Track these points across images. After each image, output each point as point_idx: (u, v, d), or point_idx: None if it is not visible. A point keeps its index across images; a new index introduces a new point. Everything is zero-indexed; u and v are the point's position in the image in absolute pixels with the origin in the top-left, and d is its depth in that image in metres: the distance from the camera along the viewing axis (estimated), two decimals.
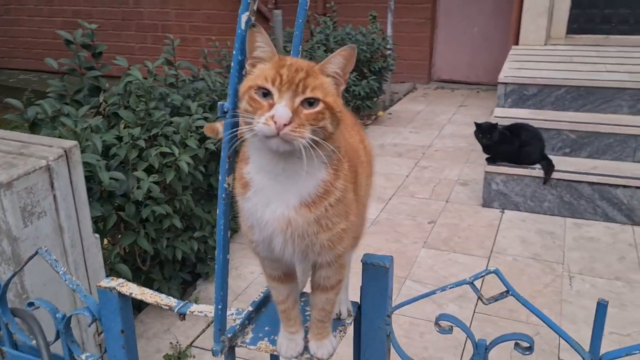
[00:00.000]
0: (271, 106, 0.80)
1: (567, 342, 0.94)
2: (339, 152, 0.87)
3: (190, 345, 2.51)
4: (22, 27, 9.46)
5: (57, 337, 1.22)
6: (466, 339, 2.51)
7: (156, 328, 2.62)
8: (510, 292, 0.97)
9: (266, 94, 0.81)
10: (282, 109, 0.78)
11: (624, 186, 3.44)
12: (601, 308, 0.91)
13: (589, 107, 4.08)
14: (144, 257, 2.71)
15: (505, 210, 3.72)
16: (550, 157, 3.64)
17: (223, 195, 0.82)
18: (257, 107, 0.80)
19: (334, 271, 0.94)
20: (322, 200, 0.86)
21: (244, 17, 0.72)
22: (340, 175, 0.88)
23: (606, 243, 3.27)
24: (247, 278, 2.99)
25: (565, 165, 3.64)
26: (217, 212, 0.84)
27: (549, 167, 3.56)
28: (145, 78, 2.75)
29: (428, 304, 2.71)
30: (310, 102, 0.81)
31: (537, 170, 3.59)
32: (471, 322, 2.59)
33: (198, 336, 2.56)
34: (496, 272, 0.97)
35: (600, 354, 0.94)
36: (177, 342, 2.50)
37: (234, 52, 0.74)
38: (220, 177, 0.81)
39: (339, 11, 6.65)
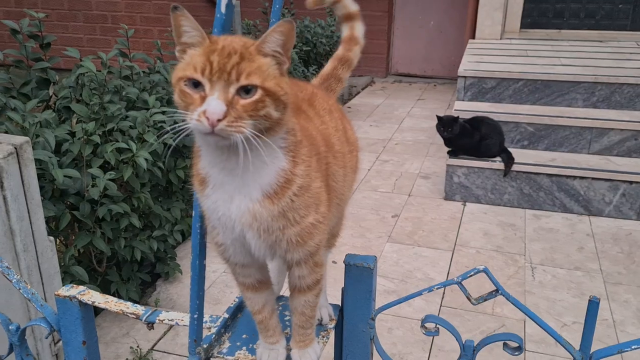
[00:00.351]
0: (203, 99, 0.72)
1: (556, 339, 0.92)
2: (294, 137, 0.82)
3: (152, 349, 2.41)
4: None
5: (11, 350, 1.12)
6: (433, 339, 2.51)
7: (114, 332, 2.51)
8: (499, 292, 0.94)
9: (197, 84, 0.73)
10: (214, 103, 0.71)
11: (581, 177, 3.51)
12: (593, 306, 0.88)
13: (545, 100, 4.15)
14: (100, 257, 2.59)
15: (467, 203, 3.74)
16: (510, 149, 3.68)
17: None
18: (188, 101, 0.73)
19: (309, 270, 0.88)
20: (285, 190, 0.80)
21: (224, 1, 0.65)
22: (299, 161, 0.81)
23: (565, 234, 3.34)
24: (209, 277, 2.89)
25: (524, 157, 3.69)
26: (193, 215, 0.77)
27: (508, 160, 3.60)
28: (99, 70, 2.62)
29: (394, 298, 2.69)
30: (247, 90, 0.74)
31: (498, 163, 3.63)
32: (438, 315, 2.58)
33: (160, 339, 2.46)
34: (485, 271, 0.94)
35: (591, 352, 0.92)
36: (138, 347, 2.39)
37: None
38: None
39: (297, 3, 6.56)
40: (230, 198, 0.78)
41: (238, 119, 0.71)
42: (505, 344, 0.96)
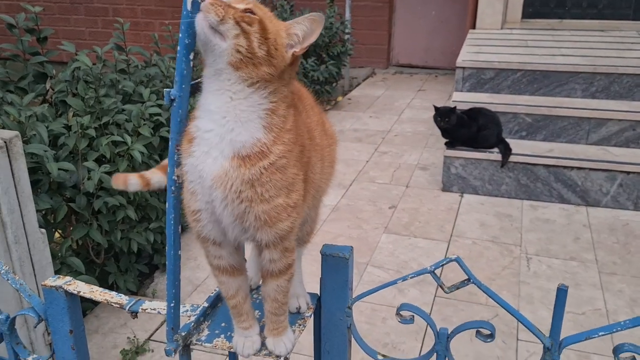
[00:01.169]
0: None
1: (526, 327, 0.94)
2: (281, 121, 0.85)
3: (149, 339, 2.45)
4: None
5: (1, 339, 1.15)
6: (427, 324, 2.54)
7: (112, 323, 2.55)
8: (471, 280, 0.96)
9: None
10: None
11: (578, 168, 3.52)
12: (561, 293, 0.90)
13: (544, 90, 4.15)
14: (98, 249, 2.62)
15: (465, 194, 3.76)
16: (508, 140, 3.69)
17: (172, 188, 0.77)
18: None
19: (279, 254, 0.90)
20: (257, 160, 0.83)
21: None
22: (279, 142, 0.85)
23: (561, 224, 3.35)
24: (206, 269, 2.92)
25: (521, 148, 3.70)
26: (167, 205, 0.79)
27: (506, 151, 3.61)
28: (95, 64, 2.64)
29: (389, 289, 2.71)
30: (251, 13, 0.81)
31: (495, 154, 3.64)
32: (432, 307, 2.61)
33: (156, 330, 2.50)
34: (457, 260, 0.96)
35: (561, 339, 0.94)
36: (135, 337, 2.43)
37: (180, 36, 0.69)
38: (168, 169, 0.76)
39: None
40: (208, 151, 0.82)
41: (223, 8, 0.77)
42: (478, 332, 0.98)
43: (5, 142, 1.28)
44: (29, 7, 2.70)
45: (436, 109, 3.62)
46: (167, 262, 0.84)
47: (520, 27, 5.82)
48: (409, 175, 4.07)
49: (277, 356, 0.94)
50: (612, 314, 2.52)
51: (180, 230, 0.85)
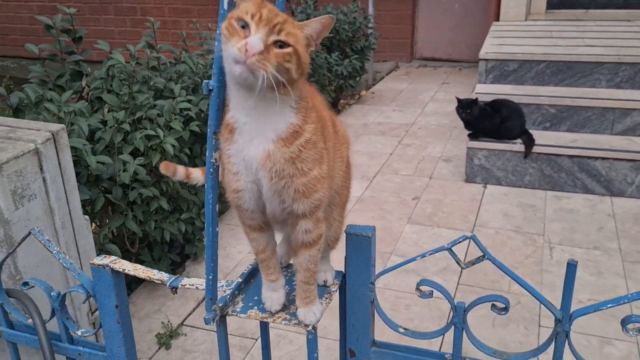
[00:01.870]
0: (246, 37, 0.85)
1: (538, 299, 1.00)
2: (306, 103, 0.95)
3: (182, 324, 2.56)
4: None
5: (52, 315, 1.26)
6: (450, 309, 2.60)
7: (147, 308, 2.67)
8: (486, 257, 1.02)
9: (245, 26, 0.86)
10: (255, 40, 0.84)
11: (603, 158, 3.52)
12: (571, 268, 0.97)
13: (568, 81, 4.14)
14: (133, 239, 2.74)
15: (488, 185, 3.79)
16: (531, 131, 3.71)
17: (211, 170, 0.86)
18: (233, 33, 0.86)
19: (313, 224, 0.99)
20: (294, 139, 0.93)
21: None
22: (308, 120, 0.95)
23: (585, 214, 3.36)
24: (235, 257, 3.03)
25: (545, 139, 3.71)
26: (206, 186, 0.87)
27: (529, 142, 3.63)
28: (128, 62, 2.75)
29: (412, 276, 2.78)
30: (281, 46, 0.87)
31: (518, 145, 3.66)
32: (455, 293, 2.66)
33: (189, 315, 2.61)
34: (472, 238, 1.03)
35: (571, 311, 1.00)
36: (169, 322, 2.54)
37: (218, 32, 0.77)
38: (207, 152, 0.84)
39: None
40: (251, 139, 0.92)
41: (266, 60, 0.85)
42: (493, 305, 1.05)
43: (52, 134, 1.39)
44: (64, 9, 2.83)
45: (458, 100, 3.66)
46: (205, 238, 0.93)
47: (544, 19, 5.79)
48: (432, 167, 4.12)
49: (307, 325, 1.02)
50: (636, 302, 2.54)
51: (217, 209, 0.93)
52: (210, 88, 0.80)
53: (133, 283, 2.85)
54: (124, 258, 2.71)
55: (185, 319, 2.59)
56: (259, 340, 2.42)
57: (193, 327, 2.54)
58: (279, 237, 1.19)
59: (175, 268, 3.00)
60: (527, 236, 3.14)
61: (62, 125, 1.40)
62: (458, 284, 2.74)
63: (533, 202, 3.54)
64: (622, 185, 3.51)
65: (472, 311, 2.50)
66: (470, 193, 3.69)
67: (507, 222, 3.30)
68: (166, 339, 2.45)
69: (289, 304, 1.08)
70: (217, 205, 0.92)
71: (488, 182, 3.80)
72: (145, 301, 2.72)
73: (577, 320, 2.61)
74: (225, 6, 0.75)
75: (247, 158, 0.92)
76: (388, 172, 4.05)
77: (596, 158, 3.53)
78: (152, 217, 2.65)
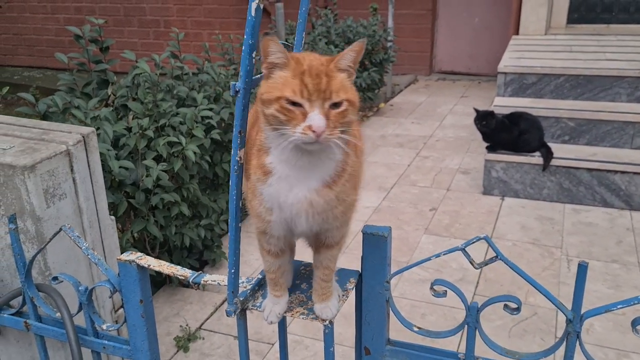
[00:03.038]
0: (304, 115, 0.85)
1: (549, 299, 1.03)
2: (353, 133, 0.95)
3: (200, 327, 2.60)
4: (26, 24, 9.55)
5: (79, 309, 1.31)
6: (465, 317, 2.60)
7: (166, 312, 2.72)
8: (498, 257, 1.05)
9: (295, 103, 0.86)
10: (318, 119, 0.85)
11: (622, 172, 3.51)
12: (581, 269, 0.99)
13: (587, 95, 4.14)
14: (153, 243, 2.80)
15: (506, 198, 3.79)
16: (550, 144, 3.71)
17: (235, 167, 0.90)
18: (291, 117, 0.86)
19: (339, 229, 1.03)
20: (340, 178, 0.94)
21: (254, 5, 0.80)
22: (349, 152, 0.94)
23: (604, 228, 3.35)
24: (253, 264, 3.07)
25: (564, 152, 3.71)
26: (230, 183, 0.92)
27: (547, 155, 3.63)
28: (152, 71, 2.84)
29: (428, 286, 2.79)
30: (337, 104, 0.88)
31: (537, 158, 3.66)
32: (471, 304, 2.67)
33: (207, 319, 2.65)
34: (485, 239, 1.05)
35: (582, 312, 1.03)
36: (187, 325, 2.59)
37: (245, 37, 0.82)
38: (232, 151, 0.89)
39: (340, 4, 6.71)
40: (290, 187, 0.92)
41: (333, 128, 0.87)
42: (505, 305, 1.07)
43: (83, 137, 1.45)
44: (93, 20, 2.92)
45: (476, 111, 3.68)
46: (229, 233, 0.97)
47: (565, 33, 5.79)
48: (450, 179, 4.13)
49: (323, 320, 1.06)
50: None
51: (240, 208, 0.98)
52: (237, 89, 0.85)
53: (153, 287, 2.90)
54: None
55: (203, 323, 2.63)
56: (276, 345, 2.46)
57: (211, 331, 2.58)
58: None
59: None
60: (545, 249, 3.14)
61: (92, 129, 1.46)
62: (474, 294, 2.75)
63: (551, 215, 3.53)
64: None
65: (489, 322, 2.56)
66: (487, 205, 3.70)
67: (524, 235, 3.30)
68: (184, 342, 2.49)
69: (306, 300, 1.11)
70: (240, 201, 0.96)
71: (506, 195, 3.80)
72: (164, 305, 2.77)
73: (595, 333, 2.60)
74: (253, 13, 0.80)
75: (284, 205, 0.93)
76: (405, 184, 4.08)
77: (615, 172, 3.52)
78: (172, 222, 2.71)
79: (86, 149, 1.47)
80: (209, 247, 3.07)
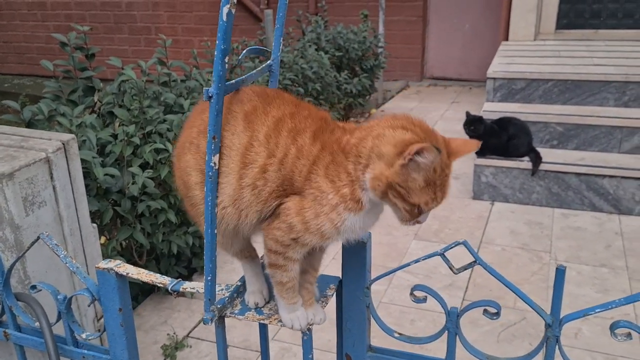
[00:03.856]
0: (420, 213, 0.95)
1: (528, 304, 1.02)
2: None
3: (187, 336, 2.58)
4: (15, 32, 9.53)
5: (59, 318, 1.30)
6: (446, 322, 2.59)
7: (153, 320, 2.69)
8: (477, 262, 1.05)
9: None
10: (426, 218, 0.97)
11: (610, 176, 3.52)
12: (559, 273, 0.99)
13: (576, 100, 4.16)
14: (140, 251, 2.78)
15: (495, 202, 3.80)
16: (539, 149, 3.72)
17: (210, 174, 0.90)
18: (409, 211, 0.94)
19: None
20: None
21: (225, 10, 0.79)
22: None
23: (593, 232, 3.36)
24: (241, 272, 3.05)
25: (552, 157, 3.72)
26: (205, 189, 0.91)
27: (536, 159, 3.64)
28: (139, 78, 2.83)
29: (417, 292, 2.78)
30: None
31: (526, 163, 3.67)
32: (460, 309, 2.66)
33: (195, 327, 2.63)
34: (464, 243, 1.05)
35: (561, 316, 1.02)
36: (174, 333, 2.57)
37: (217, 42, 0.82)
38: (207, 157, 0.88)
39: (331, 10, 6.73)
40: (368, 219, 0.99)
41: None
42: (485, 310, 1.07)
43: (63, 144, 1.44)
44: (78, 27, 2.91)
45: (467, 115, 3.70)
46: (205, 240, 0.96)
47: (553, 39, 5.83)
48: None
49: (317, 324, 1.05)
50: None
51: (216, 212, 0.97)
52: (210, 95, 0.84)
53: (140, 295, 2.89)
54: None
55: (190, 331, 2.61)
56: None
57: (198, 339, 2.56)
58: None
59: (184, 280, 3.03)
60: (534, 253, 3.14)
61: (73, 135, 1.45)
62: (463, 299, 2.74)
63: (540, 219, 3.54)
64: (630, 203, 3.50)
65: (477, 327, 2.55)
66: (477, 210, 3.70)
67: (513, 239, 3.30)
68: (171, 350, 2.47)
69: None
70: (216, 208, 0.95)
71: (495, 200, 3.81)
72: (152, 313, 2.75)
73: (583, 338, 2.59)
74: (224, 17, 0.79)
75: (358, 232, 0.98)
76: None
77: (604, 176, 3.53)
78: (159, 229, 2.69)
79: (66, 156, 1.45)
80: (198, 255, 3.05)
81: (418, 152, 0.86)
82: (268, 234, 0.98)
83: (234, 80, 0.92)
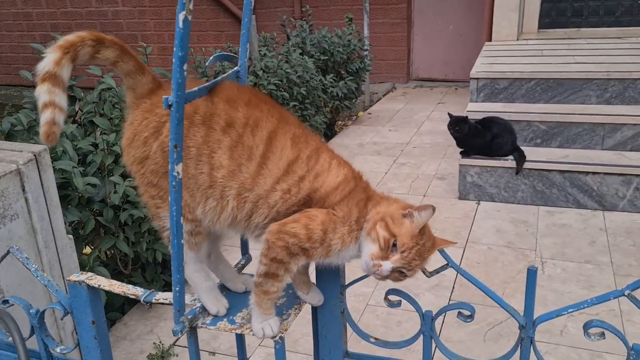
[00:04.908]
0: (387, 258, 1.01)
1: (501, 306, 1.02)
2: None
3: (173, 344, 2.56)
4: (1, 43, 9.46)
5: (32, 332, 1.28)
6: (441, 326, 2.59)
7: (140, 329, 2.67)
8: (449, 265, 1.04)
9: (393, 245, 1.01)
10: (387, 267, 1.01)
11: (594, 173, 3.54)
12: (531, 274, 0.98)
13: (558, 98, 4.18)
14: (125, 260, 2.76)
15: (481, 202, 3.81)
16: (523, 148, 3.73)
17: (174, 183, 0.89)
18: (382, 246, 1.01)
19: None
20: None
21: (181, 16, 0.78)
22: None
23: (577, 229, 3.37)
24: None
25: (536, 155, 3.74)
26: (169, 199, 0.90)
27: (520, 158, 3.65)
28: (119, 86, 2.81)
29: (403, 294, 2.78)
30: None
31: (510, 162, 3.68)
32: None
33: (181, 336, 2.61)
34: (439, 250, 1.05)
35: (535, 317, 1.02)
36: (160, 342, 2.55)
37: (175, 49, 0.81)
38: (169, 166, 0.87)
39: (315, 14, 6.74)
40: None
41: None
42: (459, 313, 1.06)
43: (35, 155, 1.42)
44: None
45: (450, 117, 3.70)
46: (172, 251, 0.95)
47: (536, 38, 5.86)
48: (426, 185, 4.14)
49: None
50: (625, 314, 2.54)
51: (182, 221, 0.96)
52: (170, 103, 0.84)
53: (126, 305, 2.86)
54: (116, 280, 2.73)
55: (177, 340, 2.59)
56: (251, 359, 2.43)
57: (185, 347, 2.54)
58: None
59: (169, 289, 3.01)
60: (519, 251, 3.15)
61: (44, 146, 1.43)
62: (450, 299, 2.74)
63: (525, 217, 3.55)
64: (614, 199, 3.52)
65: (463, 326, 2.53)
66: (463, 210, 3.71)
67: (499, 238, 3.31)
68: (158, 359, 2.45)
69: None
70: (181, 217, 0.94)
71: (481, 199, 3.82)
72: (138, 322, 2.73)
73: (569, 335, 2.59)
74: (181, 24, 0.79)
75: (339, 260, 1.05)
76: (382, 191, 4.06)
77: (587, 173, 3.55)
78: (144, 238, 2.67)
79: (39, 168, 1.44)
80: None
81: (418, 210, 1.03)
82: (278, 239, 1.01)
83: (196, 88, 0.91)
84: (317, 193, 1.04)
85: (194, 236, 1.11)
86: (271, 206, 1.03)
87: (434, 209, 1.02)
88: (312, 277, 1.16)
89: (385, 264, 1.00)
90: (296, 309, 1.10)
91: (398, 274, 1.03)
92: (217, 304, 1.11)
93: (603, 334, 0.99)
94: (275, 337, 1.02)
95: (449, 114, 3.75)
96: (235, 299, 1.14)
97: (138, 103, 1.11)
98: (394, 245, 1.00)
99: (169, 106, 0.83)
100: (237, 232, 1.11)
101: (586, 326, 0.99)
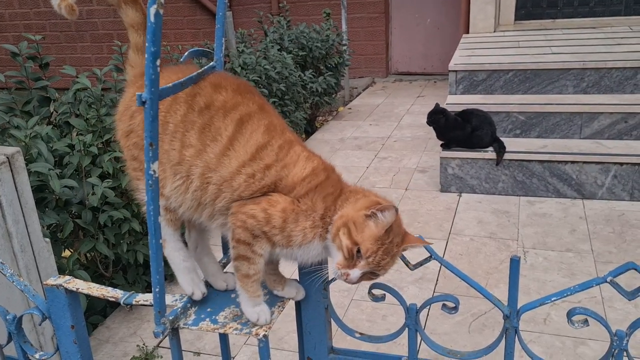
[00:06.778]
0: (354, 266, 1.00)
1: (484, 296, 1.02)
2: None
3: (157, 346, 2.53)
4: None
5: (10, 339, 1.25)
6: (426, 318, 2.60)
7: (123, 332, 2.64)
8: (433, 257, 1.04)
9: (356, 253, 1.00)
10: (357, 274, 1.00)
11: (572, 162, 3.58)
12: (514, 264, 0.98)
13: (536, 89, 4.22)
14: (106, 263, 2.72)
15: (463, 194, 3.83)
16: (502, 139, 3.76)
17: (150, 182, 0.87)
18: (346, 254, 0.99)
19: None
20: None
21: (152, 10, 0.76)
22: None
23: (558, 218, 3.41)
24: None
25: (516, 146, 3.77)
26: (146, 198, 0.88)
27: (500, 149, 3.68)
28: (95, 86, 2.76)
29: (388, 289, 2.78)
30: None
31: (490, 153, 3.71)
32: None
33: (165, 336, 2.58)
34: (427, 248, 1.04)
35: (518, 307, 1.02)
36: (144, 344, 2.52)
37: (147, 45, 0.79)
38: (145, 165, 0.85)
39: (293, 10, 6.70)
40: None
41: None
42: (444, 305, 1.06)
43: (7, 157, 1.39)
44: (30, 36, 2.83)
45: (436, 106, 3.73)
46: (150, 251, 0.93)
47: (513, 30, 5.90)
48: (408, 178, 4.15)
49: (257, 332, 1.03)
50: (607, 301, 2.57)
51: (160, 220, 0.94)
52: (143, 100, 0.81)
53: (108, 308, 2.82)
54: (97, 282, 2.69)
55: (161, 341, 2.56)
56: (237, 357, 2.41)
57: (169, 348, 2.51)
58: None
59: (151, 290, 2.97)
60: (502, 242, 3.17)
61: (17, 149, 1.40)
62: (434, 292, 2.75)
63: (507, 208, 3.58)
64: (593, 187, 3.56)
65: (448, 318, 2.53)
66: (445, 202, 3.72)
67: (481, 229, 3.33)
68: None
69: (241, 314, 1.08)
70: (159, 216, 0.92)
71: (463, 191, 3.84)
72: (121, 325, 2.69)
73: (552, 323, 2.61)
74: (152, 19, 0.77)
75: (302, 258, 1.05)
76: (364, 186, 4.06)
77: (566, 162, 3.59)
78: (124, 239, 2.63)
79: (12, 170, 1.40)
80: (166, 263, 2.99)
81: (381, 210, 1.00)
82: (237, 220, 1.01)
83: (170, 84, 0.89)
84: (282, 182, 1.03)
85: (169, 212, 1.12)
86: (234, 189, 1.03)
87: (396, 210, 1.01)
88: (295, 275, 1.15)
89: (353, 272, 0.99)
90: (279, 306, 1.08)
91: (370, 274, 1.02)
92: (194, 286, 1.11)
93: (586, 321, 0.99)
94: (270, 325, 1.02)
95: (436, 104, 3.76)
96: (218, 298, 1.12)
97: (134, 81, 1.16)
98: (359, 251, 0.99)
99: (143, 103, 0.81)
100: (207, 221, 1.09)
101: (570, 314, 0.99)
